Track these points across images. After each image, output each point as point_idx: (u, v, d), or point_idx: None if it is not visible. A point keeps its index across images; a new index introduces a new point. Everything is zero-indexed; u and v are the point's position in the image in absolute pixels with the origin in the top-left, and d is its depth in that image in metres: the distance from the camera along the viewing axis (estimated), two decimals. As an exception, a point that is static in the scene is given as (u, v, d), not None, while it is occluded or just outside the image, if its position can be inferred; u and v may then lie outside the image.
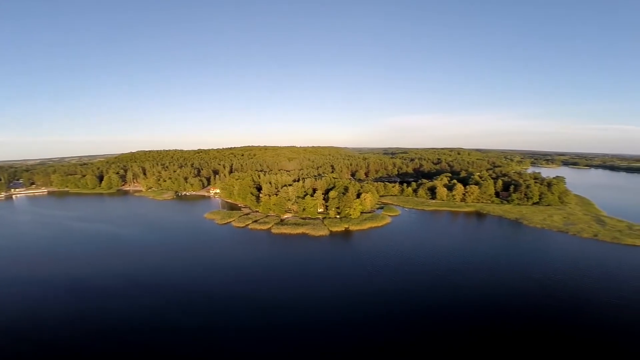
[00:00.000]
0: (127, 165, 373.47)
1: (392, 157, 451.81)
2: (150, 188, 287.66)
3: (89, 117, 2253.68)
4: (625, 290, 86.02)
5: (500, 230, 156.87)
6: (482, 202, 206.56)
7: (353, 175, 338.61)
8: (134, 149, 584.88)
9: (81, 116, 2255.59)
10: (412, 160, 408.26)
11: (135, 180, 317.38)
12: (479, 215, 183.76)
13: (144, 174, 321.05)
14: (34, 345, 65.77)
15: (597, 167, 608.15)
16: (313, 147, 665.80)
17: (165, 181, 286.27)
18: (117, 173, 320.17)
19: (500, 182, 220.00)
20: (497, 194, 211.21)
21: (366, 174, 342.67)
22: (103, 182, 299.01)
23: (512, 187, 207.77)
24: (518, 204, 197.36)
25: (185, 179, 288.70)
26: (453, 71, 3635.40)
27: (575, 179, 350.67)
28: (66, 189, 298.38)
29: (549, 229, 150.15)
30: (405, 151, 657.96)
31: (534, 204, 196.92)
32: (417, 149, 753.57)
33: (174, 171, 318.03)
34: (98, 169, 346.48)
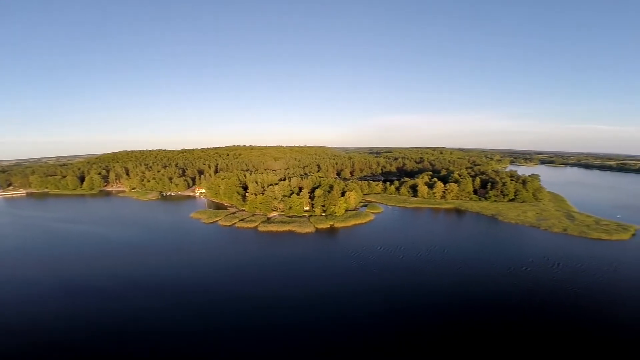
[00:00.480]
0: (109, 166, 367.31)
1: (376, 157, 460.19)
2: (134, 188, 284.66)
3: (67, 116, 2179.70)
4: (587, 281, 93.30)
5: (477, 226, 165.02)
6: (461, 199, 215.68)
7: (339, 174, 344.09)
8: (115, 149, 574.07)
9: (59, 116, 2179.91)
10: (395, 159, 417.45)
11: (118, 181, 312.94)
12: (458, 211, 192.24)
13: (127, 174, 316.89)
14: (29, 346, 66.29)
15: (572, 165, 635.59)
16: (299, 146, 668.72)
17: (149, 181, 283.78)
18: (99, 174, 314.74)
19: (478, 180, 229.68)
20: (475, 192, 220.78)
21: (351, 173, 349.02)
22: (84, 183, 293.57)
23: (489, 184, 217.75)
24: (495, 201, 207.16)
25: (170, 179, 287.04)
26: (438, 72, 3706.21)
27: (550, 177, 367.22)
28: (46, 190, 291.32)
29: (523, 224, 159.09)
30: (390, 150, 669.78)
31: (509, 200, 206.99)
32: (402, 148, 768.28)
33: (158, 171, 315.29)
34: (79, 169, 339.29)
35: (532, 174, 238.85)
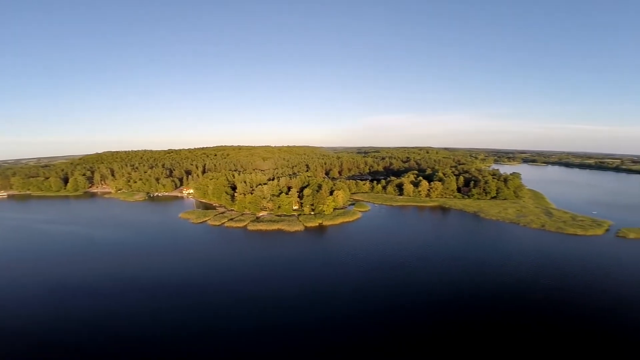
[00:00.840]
0: (93, 167, 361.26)
1: (364, 156, 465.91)
2: (120, 189, 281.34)
3: (47, 117, 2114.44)
4: (560, 274, 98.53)
5: (459, 223, 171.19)
6: (445, 197, 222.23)
7: (327, 173, 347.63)
8: (99, 149, 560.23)
9: (38, 116, 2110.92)
10: (383, 158, 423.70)
11: (103, 182, 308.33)
12: (442, 209, 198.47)
13: (113, 175, 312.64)
14: (24, 347, 66.43)
15: (553, 164, 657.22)
16: (288, 146, 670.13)
17: (135, 182, 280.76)
18: (84, 175, 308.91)
19: (461, 178, 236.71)
20: (458, 190, 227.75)
21: (340, 173, 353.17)
22: (68, 184, 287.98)
23: (472, 182, 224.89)
24: (477, 199, 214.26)
25: (157, 179, 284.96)
26: (427, 72, 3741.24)
27: (532, 175, 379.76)
28: (28, 192, 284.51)
29: (503, 220, 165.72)
30: (377, 150, 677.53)
31: (491, 198, 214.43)
32: (389, 148, 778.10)
33: (145, 172, 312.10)
34: (62, 170, 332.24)
35: (513, 173, 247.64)
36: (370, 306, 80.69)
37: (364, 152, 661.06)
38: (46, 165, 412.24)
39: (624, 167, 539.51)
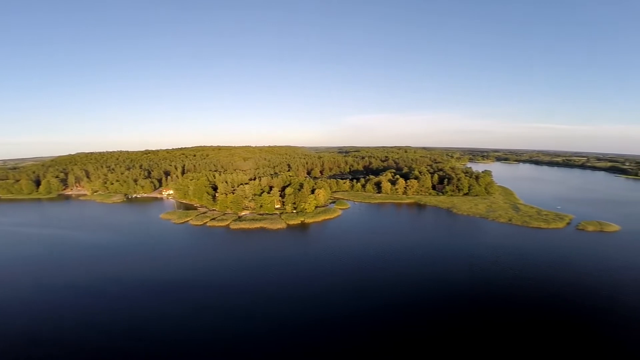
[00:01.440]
0: (67, 168, 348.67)
1: (345, 156, 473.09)
2: (96, 191, 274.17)
3: (12, 117, 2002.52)
4: (521, 264, 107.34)
5: (433, 218, 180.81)
6: (421, 194, 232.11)
7: (309, 173, 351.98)
8: (71, 151, 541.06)
9: (2, 117, 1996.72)
10: (362, 158, 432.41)
11: (78, 184, 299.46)
12: (418, 205, 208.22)
13: (88, 177, 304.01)
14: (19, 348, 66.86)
15: (524, 162, 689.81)
16: (269, 146, 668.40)
17: (112, 184, 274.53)
18: (57, 177, 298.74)
19: (436, 176, 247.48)
20: (433, 187, 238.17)
21: (321, 172, 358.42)
22: (41, 186, 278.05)
23: (446, 180, 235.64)
24: (451, 195, 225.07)
25: (135, 181, 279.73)
26: (406, 73, 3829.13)
27: (504, 173, 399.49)
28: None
29: (474, 215, 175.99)
30: (358, 149, 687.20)
31: (464, 194, 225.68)
32: (369, 147, 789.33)
33: (122, 173, 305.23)
34: (34, 172, 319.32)
35: (485, 170, 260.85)
36: (348, 296, 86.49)
37: (345, 151, 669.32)
38: (15, 168, 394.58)
39: (589, 164, 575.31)
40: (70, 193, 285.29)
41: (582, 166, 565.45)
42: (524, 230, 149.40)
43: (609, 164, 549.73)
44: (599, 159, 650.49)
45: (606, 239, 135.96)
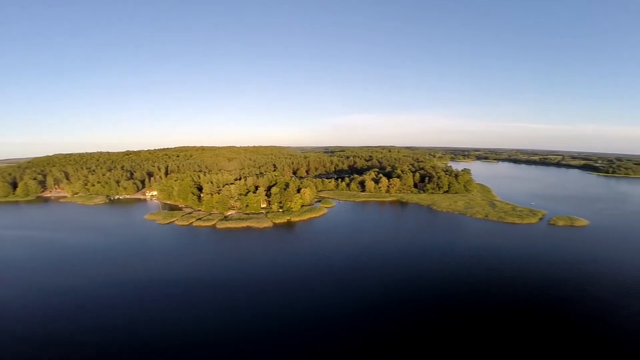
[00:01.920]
0: (45, 170, 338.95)
1: (330, 156, 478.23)
2: (76, 193, 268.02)
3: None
4: (495, 258, 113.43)
5: (414, 215, 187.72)
6: (403, 192, 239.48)
7: (295, 173, 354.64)
8: (48, 152, 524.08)
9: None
10: (347, 157, 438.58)
11: (57, 186, 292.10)
12: (400, 203, 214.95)
13: (67, 178, 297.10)
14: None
15: (503, 160, 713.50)
16: (254, 147, 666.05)
17: (94, 185, 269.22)
18: (35, 179, 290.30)
19: (418, 174, 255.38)
20: (415, 185, 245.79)
21: (307, 172, 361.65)
22: (18, 189, 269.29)
23: (427, 178, 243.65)
24: (432, 193, 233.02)
25: (117, 182, 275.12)
26: (391, 74, 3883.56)
27: (483, 171, 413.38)
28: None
29: (453, 212, 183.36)
30: (343, 149, 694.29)
31: (444, 192, 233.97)
32: (354, 147, 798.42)
33: (103, 175, 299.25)
34: (9, 174, 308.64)
35: (464, 169, 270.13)
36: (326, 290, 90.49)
37: (330, 151, 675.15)
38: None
39: (564, 162, 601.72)
40: (49, 195, 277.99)
41: (558, 164, 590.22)
42: (499, 226, 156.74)
43: (583, 162, 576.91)
44: (573, 157, 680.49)
45: (575, 233, 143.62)
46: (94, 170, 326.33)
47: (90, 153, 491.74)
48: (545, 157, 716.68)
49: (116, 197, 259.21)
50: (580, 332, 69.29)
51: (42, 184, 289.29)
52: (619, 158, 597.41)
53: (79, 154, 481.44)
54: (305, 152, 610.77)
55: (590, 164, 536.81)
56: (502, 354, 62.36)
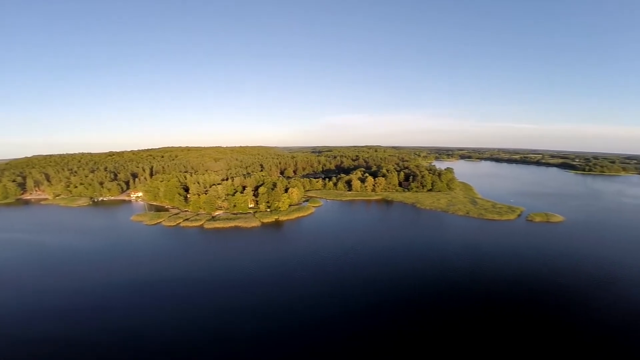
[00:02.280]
0: (24, 172, 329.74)
1: (318, 156, 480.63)
2: (58, 195, 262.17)
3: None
4: (475, 253, 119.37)
5: (398, 212, 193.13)
6: (388, 191, 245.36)
7: (282, 173, 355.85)
8: (27, 153, 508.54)
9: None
10: (335, 157, 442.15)
11: (37, 188, 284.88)
12: (385, 201, 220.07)
13: (48, 180, 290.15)
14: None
15: (486, 159, 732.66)
16: (241, 147, 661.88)
17: (76, 187, 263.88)
18: (14, 181, 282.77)
19: (402, 174, 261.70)
20: (400, 184, 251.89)
21: (294, 172, 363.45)
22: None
23: (411, 177, 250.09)
24: (416, 191, 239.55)
25: (101, 183, 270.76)
26: (377, 74, 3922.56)
27: (466, 170, 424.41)
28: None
29: (436, 209, 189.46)
30: (330, 149, 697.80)
31: (428, 190, 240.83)
32: (341, 147, 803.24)
33: (86, 176, 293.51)
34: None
35: (447, 168, 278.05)
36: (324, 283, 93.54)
37: (318, 151, 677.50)
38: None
39: (543, 161, 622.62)
40: (29, 197, 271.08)
41: (538, 163, 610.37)
42: (479, 222, 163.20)
43: (561, 160, 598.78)
44: (552, 156, 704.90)
45: (551, 229, 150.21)
46: (76, 172, 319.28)
47: (72, 154, 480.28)
48: (525, 156, 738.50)
49: (100, 198, 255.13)
50: (553, 322, 72.78)
51: (22, 186, 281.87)
52: (596, 156, 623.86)
53: (60, 155, 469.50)
54: (292, 152, 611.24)
55: (568, 162, 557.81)
56: (486, 346, 64.86)
